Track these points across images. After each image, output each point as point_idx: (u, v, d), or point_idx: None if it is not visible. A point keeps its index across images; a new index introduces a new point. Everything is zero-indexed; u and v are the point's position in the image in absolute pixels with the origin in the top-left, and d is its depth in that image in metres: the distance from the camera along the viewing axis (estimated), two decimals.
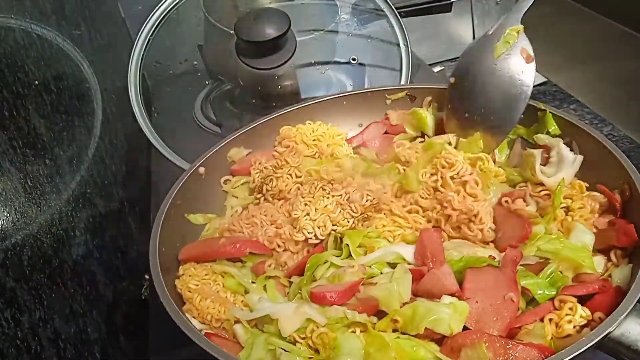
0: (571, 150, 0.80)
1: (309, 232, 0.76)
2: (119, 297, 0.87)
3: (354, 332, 0.63)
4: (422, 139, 0.92)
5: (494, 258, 0.67)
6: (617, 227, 0.69)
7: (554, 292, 0.64)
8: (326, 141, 0.93)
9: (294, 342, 0.63)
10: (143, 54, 1.12)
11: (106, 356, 0.76)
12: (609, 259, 0.68)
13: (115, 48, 1.25)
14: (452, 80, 0.88)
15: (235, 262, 0.77)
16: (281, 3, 1.19)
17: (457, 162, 0.75)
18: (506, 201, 0.76)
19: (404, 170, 0.81)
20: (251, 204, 0.87)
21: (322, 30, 1.17)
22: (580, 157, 0.78)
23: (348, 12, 1.20)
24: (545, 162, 0.81)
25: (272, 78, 1.12)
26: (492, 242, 0.73)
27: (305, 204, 0.78)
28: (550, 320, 0.61)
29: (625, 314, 0.55)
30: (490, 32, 0.84)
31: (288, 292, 0.72)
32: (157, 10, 1.12)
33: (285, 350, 0.62)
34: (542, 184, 0.78)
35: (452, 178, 0.75)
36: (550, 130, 0.82)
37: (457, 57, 0.96)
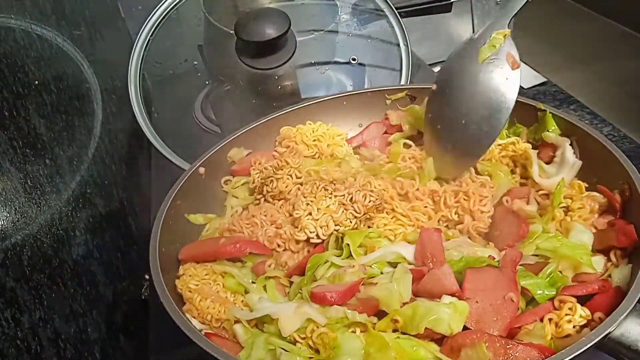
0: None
1: (310, 232, 0.76)
2: (119, 297, 0.87)
3: (354, 332, 0.63)
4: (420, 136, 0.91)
5: (494, 258, 0.67)
6: (616, 227, 0.68)
7: (553, 292, 0.64)
8: (326, 141, 0.93)
9: (294, 342, 0.63)
10: (143, 54, 1.12)
11: (106, 356, 0.76)
12: (609, 259, 0.67)
13: (115, 48, 1.25)
14: (433, 87, 0.84)
15: (236, 262, 0.77)
16: (281, 3, 1.19)
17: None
18: (506, 200, 0.76)
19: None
20: (251, 204, 0.87)
21: (322, 30, 1.17)
22: (579, 162, 0.77)
23: (348, 12, 1.19)
24: (550, 160, 0.81)
25: (272, 78, 1.12)
26: (490, 241, 0.73)
27: (307, 204, 0.77)
28: (550, 320, 0.61)
29: (625, 314, 0.55)
30: (476, 36, 0.79)
31: (288, 292, 0.72)
32: (157, 10, 1.12)
33: (285, 350, 0.62)
34: None
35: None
36: (550, 130, 0.82)
37: None
